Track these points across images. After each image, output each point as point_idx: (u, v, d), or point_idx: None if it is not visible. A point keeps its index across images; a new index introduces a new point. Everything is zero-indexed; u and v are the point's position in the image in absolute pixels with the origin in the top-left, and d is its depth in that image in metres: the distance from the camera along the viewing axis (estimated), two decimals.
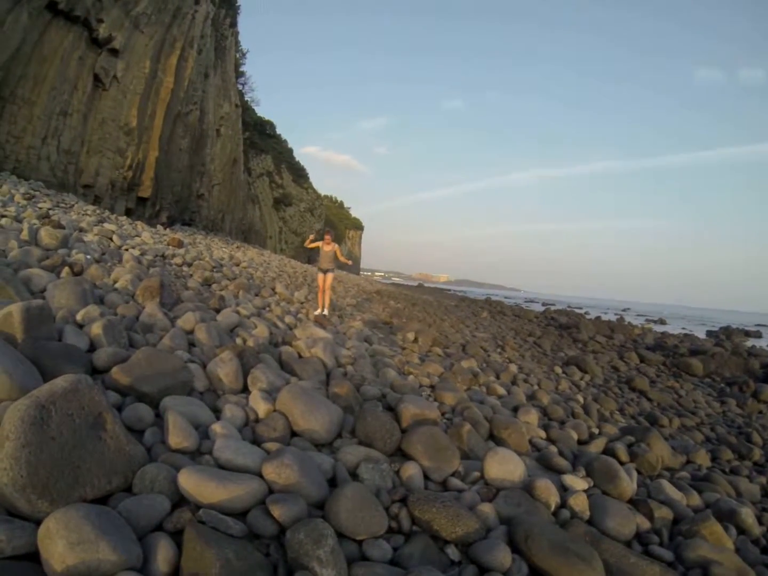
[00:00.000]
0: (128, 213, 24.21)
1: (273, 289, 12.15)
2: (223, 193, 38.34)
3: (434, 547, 3.08)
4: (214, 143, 35.66)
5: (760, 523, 5.39)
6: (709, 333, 44.31)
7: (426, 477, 3.90)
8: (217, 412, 3.88)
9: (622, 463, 5.87)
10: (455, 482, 3.94)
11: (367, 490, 3.16)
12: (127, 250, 10.38)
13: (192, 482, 2.66)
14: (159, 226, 21.95)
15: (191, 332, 5.47)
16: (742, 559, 4.28)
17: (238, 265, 15.50)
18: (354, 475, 3.52)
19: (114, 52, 22.18)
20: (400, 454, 4.15)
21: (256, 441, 3.58)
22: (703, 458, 7.46)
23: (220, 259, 15.26)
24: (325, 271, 10.80)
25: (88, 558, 2.09)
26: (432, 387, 6.86)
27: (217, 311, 7.24)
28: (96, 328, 4.32)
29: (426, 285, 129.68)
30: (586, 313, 50.25)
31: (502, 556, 2.99)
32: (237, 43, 45.06)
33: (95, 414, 2.69)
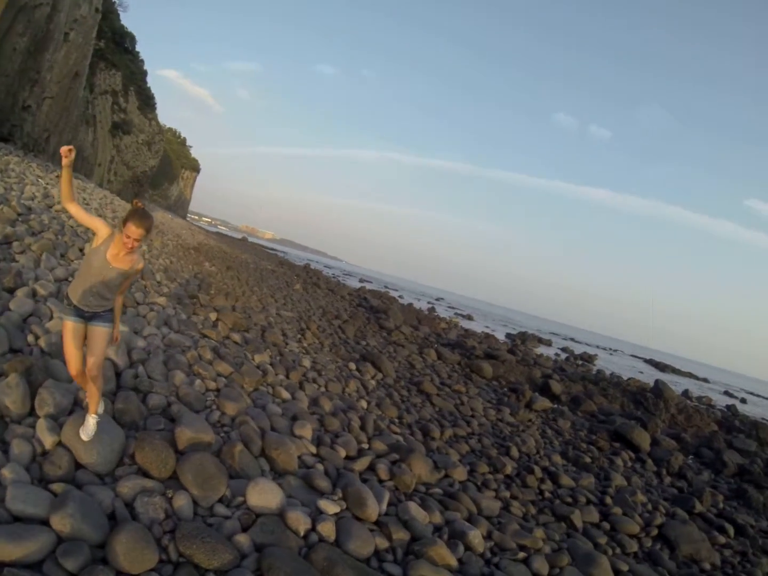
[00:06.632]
0: None
1: (81, 249, 11.29)
2: (54, 110, 34.51)
3: None
4: (59, 49, 31.73)
5: (490, 537, 7.17)
6: (508, 335, 51.63)
7: (196, 503, 4.85)
8: (5, 444, 4.41)
9: (382, 481, 7.39)
10: (220, 509, 4.96)
11: (142, 528, 4.02)
12: None
13: None
14: None
15: None
16: (466, 570, 6.00)
17: (51, 207, 14.31)
18: (131, 507, 4.37)
19: None
20: (177, 478, 5.04)
21: (44, 479, 4.26)
22: (459, 474, 9.17)
23: (31, 199, 14.14)
24: (89, 317, 4.53)
25: None
26: (218, 391, 7.71)
27: (12, 291, 7.02)
28: None
29: (250, 240, 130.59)
30: (400, 296, 53.98)
31: None
32: None
33: None
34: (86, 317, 4.51)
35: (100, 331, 4.54)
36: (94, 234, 4.42)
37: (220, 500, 5.12)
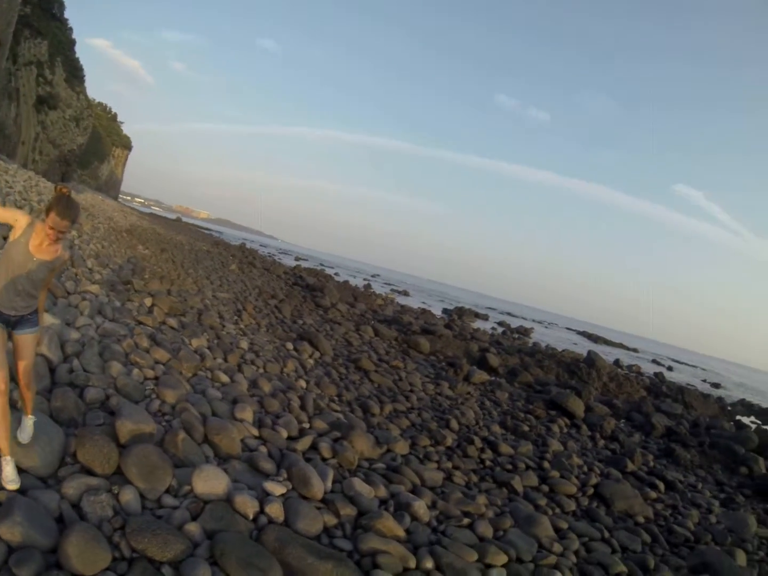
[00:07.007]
0: None
1: (5, 238, 11.01)
2: None
3: (152, 570, 4.07)
4: None
5: (435, 507, 7.43)
6: (445, 310, 52.72)
7: (143, 496, 4.85)
8: None
9: (325, 459, 7.55)
10: (168, 500, 4.98)
11: (91, 528, 4.02)
12: None
13: None
14: None
15: None
16: (414, 539, 6.18)
17: None
18: (79, 507, 4.34)
19: None
20: (121, 473, 5.00)
21: None
22: (401, 447, 9.42)
23: None
24: (14, 322, 4.11)
25: None
26: (157, 379, 7.65)
27: None
28: None
29: (184, 220, 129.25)
30: (336, 274, 54.21)
31: (202, 572, 4.13)
32: None
33: None
34: (11, 323, 4.08)
35: (28, 338, 4.22)
36: (11, 227, 3.96)
37: (167, 491, 5.12)
